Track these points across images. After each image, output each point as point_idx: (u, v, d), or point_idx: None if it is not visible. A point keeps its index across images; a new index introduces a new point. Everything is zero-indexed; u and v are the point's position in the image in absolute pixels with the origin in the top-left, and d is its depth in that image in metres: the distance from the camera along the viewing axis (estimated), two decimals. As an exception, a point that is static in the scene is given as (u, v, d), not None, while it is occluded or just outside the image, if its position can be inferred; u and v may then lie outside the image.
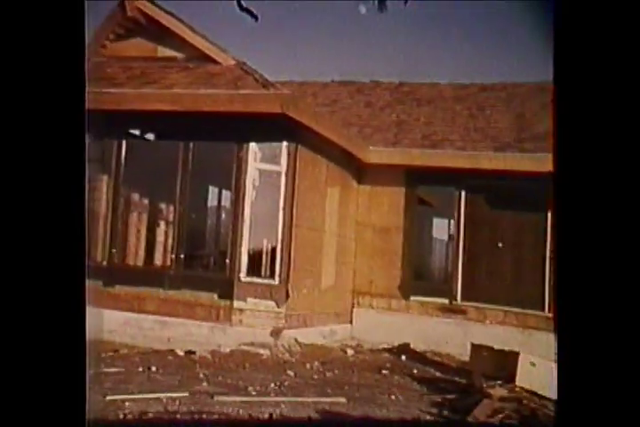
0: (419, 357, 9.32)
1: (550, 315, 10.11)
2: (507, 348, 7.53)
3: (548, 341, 9.89)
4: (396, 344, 9.88)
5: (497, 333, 9.97)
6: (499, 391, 6.37)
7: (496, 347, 7.61)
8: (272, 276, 8.82)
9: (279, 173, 9.02)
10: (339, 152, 10.27)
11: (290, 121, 8.64)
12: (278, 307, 8.70)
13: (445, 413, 6.11)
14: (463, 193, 10.92)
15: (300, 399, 6.06)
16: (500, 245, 10.68)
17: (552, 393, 6.60)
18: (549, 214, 10.47)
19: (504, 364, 6.89)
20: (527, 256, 10.56)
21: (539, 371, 6.71)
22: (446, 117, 12.26)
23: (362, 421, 5.59)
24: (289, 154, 9.05)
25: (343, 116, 12.44)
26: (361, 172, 11.24)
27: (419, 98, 13.25)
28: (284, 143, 9.05)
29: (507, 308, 10.31)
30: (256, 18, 5.74)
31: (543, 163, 10.24)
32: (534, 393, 6.48)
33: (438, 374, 8.27)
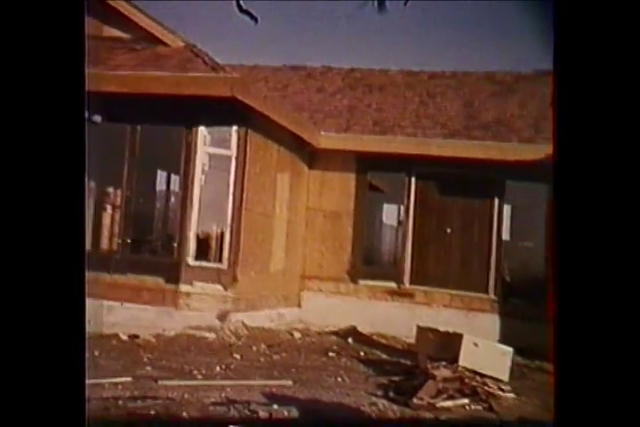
0: (366, 339, 9.43)
1: (494, 297, 10.34)
2: (452, 330, 7.67)
3: (491, 322, 10.15)
4: (343, 327, 9.97)
5: (443, 315, 10.15)
6: (443, 372, 6.48)
7: (441, 329, 7.73)
8: (220, 260, 8.79)
9: (229, 158, 8.96)
10: (290, 137, 10.25)
11: (240, 105, 8.58)
12: (226, 291, 8.68)
13: (391, 394, 6.21)
14: (413, 179, 11.02)
15: (246, 382, 6.07)
16: (449, 230, 10.83)
17: (492, 371, 6.78)
18: (496, 200, 10.68)
19: (449, 345, 7.02)
20: (474, 241, 10.74)
21: (481, 351, 6.87)
22: (397, 104, 12.33)
23: (310, 404, 5.63)
24: (239, 138, 8.99)
25: (294, 100, 12.40)
26: (312, 157, 11.24)
27: (370, 84, 13.28)
28: (234, 127, 8.99)
29: (453, 291, 10.49)
30: (256, 20, 5.71)
31: (491, 150, 10.46)
32: (476, 372, 6.63)
33: (385, 356, 8.38)
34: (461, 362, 6.69)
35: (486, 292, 10.42)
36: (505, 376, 6.89)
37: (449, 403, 5.94)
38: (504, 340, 9.17)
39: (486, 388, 6.34)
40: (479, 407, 5.96)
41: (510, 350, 7.19)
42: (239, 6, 5.58)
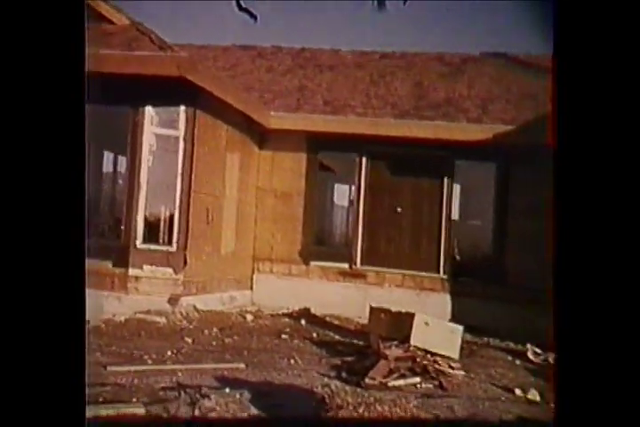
0: (318, 321, 9.44)
1: (444, 276, 10.46)
2: (404, 309, 7.73)
3: (442, 301, 10.29)
4: (296, 309, 9.97)
5: (395, 295, 10.24)
6: (395, 352, 6.53)
7: (393, 309, 7.78)
8: (169, 242, 8.65)
9: (177, 138, 8.80)
10: (239, 117, 10.10)
11: (188, 85, 8.40)
12: (176, 274, 8.56)
13: (343, 375, 6.23)
14: (364, 159, 11.02)
15: (197, 366, 6.01)
16: (399, 210, 10.88)
17: (442, 350, 6.86)
18: (446, 180, 10.76)
19: (400, 325, 7.07)
20: (424, 221, 10.82)
21: (432, 330, 6.93)
22: (347, 84, 12.27)
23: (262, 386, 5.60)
24: (187, 118, 8.83)
25: (244, 80, 12.22)
26: (262, 137, 11.12)
27: (320, 64, 13.18)
28: (182, 107, 8.82)
29: (404, 271, 10.58)
30: (255, 18, 5.65)
31: (441, 130, 10.52)
32: (427, 351, 6.70)
33: (337, 337, 8.41)
34: (413, 341, 6.74)
35: (437, 271, 10.54)
36: (455, 354, 6.99)
37: (400, 382, 5.99)
38: (454, 318, 9.32)
39: (437, 366, 6.42)
40: (430, 385, 6.04)
41: (460, 328, 7.28)
42: (239, 5, 5.58)
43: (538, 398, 5.89)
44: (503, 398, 5.91)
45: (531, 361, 7.70)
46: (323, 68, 12.98)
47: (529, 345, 8.17)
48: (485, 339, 8.98)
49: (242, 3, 5.67)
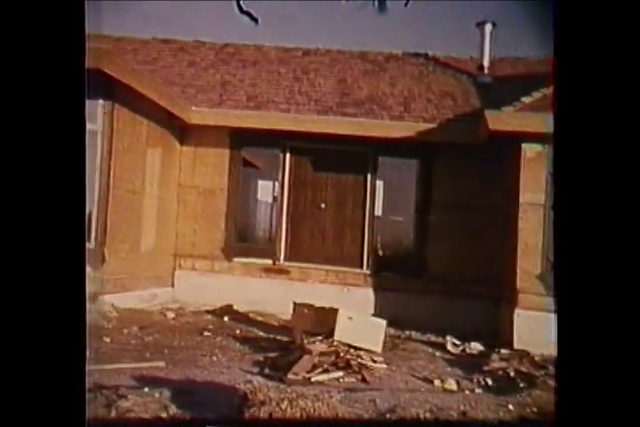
0: (242, 317, 9.38)
1: (367, 271, 10.57)
2: (328, 305, 7.75)
3: (365, 296, 10.40)
4: (218, 306, 9.86)
5: (319, 291, 10.27)
6: (318, 347, 6.56)
7: (317, 305, 7.80)
8: (87, 240, 8.40)
9: (95, 133, 8.55)
10: (160, 112, 9.90)
11: (106, 78, 8.17)
12: (94, 272, 8.32)
13: (266, 371, 6.21)
14: (288, 155, 11.01)
15: (116, 366, 5.86)
16: (323, 206, 10.93)
17: (366, 344, 6.93)
18: (369, 176, 10.88)
19: (324, 320, 7.10)
20: (348, 217, 10.90)
21: (355, 325, 6.98)
22: (271, 79, 12.21)
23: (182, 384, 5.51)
24: (105, 113, 8.60)
25: (165, 74, 11.99)
26: (184, 133, 10.95)
27: (244, 59, 13.07)
28: (100, 101, 8.59)
29: (328, 267, 10.63)
30: (256, 21, 5.63)
31: (364, 127, 10.61)
32: (350, 346, 6.75)
33: (261, 333, 8.37)
34: (336, 336, 6.78)
35: (360, 266, 10.64)
36: (378, 348, 7.06)
37: (324, 377, 6.02)
38: (378, 312, 9.44)
39: (360, 360, 6.48)
40: (353, 379, 6.09)
41: (383, 322, 7.37)
42: (239, 7, 5.60)
43: (454, 388, 6.05)
44: (423, 389, 6.03)
45: (450, 352, 7.88)
46: (246, 64, 12.88)
47: (448, 337, 8.36)
48: (408, 332, 9.13)
49: (242, 5, 5.70)
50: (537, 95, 9.36)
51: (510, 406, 5.66)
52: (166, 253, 10.59)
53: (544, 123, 9.26)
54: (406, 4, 5.53)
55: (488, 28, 12.40)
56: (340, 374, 6.14)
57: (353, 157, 10.96)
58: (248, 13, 5.71)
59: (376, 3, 5.27)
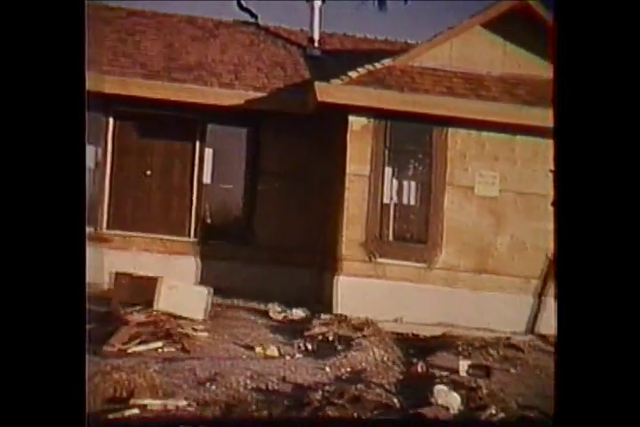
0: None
1: (194, 239, 10.43)
2: (152, 274, 7.59)
3: (192, 264, 10.28)
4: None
5: (143, 260, 9.98)
6: (136, 317, 6.42)
7: (139, 274, 7.62)
8: None
9: None
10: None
11: None
12: None
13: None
14: (111, 120, 10.54)
15: None
16: (149, 173, 10.62)
17: (187, 312, 6.89)
18: (197, 143, 10.70)
19: (144, 290, 6.96)
20: (175, 184, 10.69)
21: (177, 293, 6.92)
22: (94, 40, 11.54)
23: None
24: None
25: None
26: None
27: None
28: None
29: (153, 235, 10.36)
30: (256, 17, 5.30)
31: (193, 93, 10.36)
32: (172, 315, 6.67)
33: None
34: (156, 306, 6.67)
35: (187, 235, 10.48)
36: (200, 316, 7.04)
37: (142, 347, 5.92)
38: (204, 281, 9.38)
39: (180, 329, 6.43)
40: (173, 349, 6.03)
41: (206, 290, 7.35)
42: (239, 4, 5.30)
43: (276, 354, 6.18)
44: (244, 357, 6.10)
45: (272, 319, 8.03)
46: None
47: (270, 304, 8.51)
48: (232, 300, 9.17)
49: (242, 2, 5.41)
50: (363, 71, 9.63)
51: (327, 369, 5.89)
52: None
53: (370, 97, 9.62)
54: (405, 3, 5.50)
55: (317, 3, 12.50)
56: (160, 344, 6.06)
57: (181, 123, 10.71)
58: (248, 10, 5.54)
59: (376, 3, 5.27)
